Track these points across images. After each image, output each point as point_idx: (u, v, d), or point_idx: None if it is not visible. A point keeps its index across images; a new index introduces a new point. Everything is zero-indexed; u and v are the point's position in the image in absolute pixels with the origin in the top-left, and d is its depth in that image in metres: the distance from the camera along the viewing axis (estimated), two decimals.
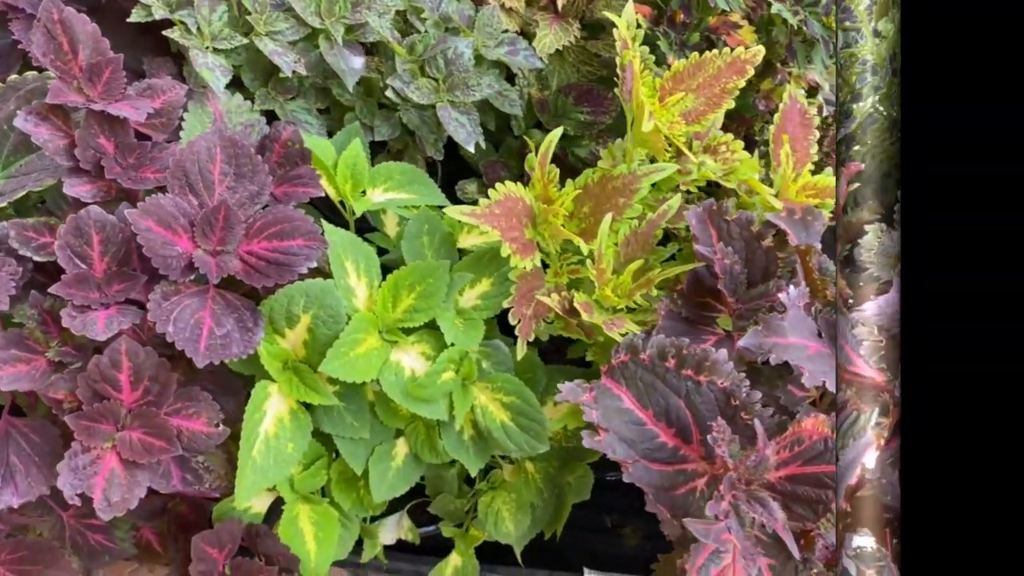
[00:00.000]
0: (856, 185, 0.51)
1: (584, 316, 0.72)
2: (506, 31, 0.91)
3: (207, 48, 0.79)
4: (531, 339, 0.76)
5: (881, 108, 0.50)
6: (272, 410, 0.71)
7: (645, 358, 0.65)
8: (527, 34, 0.96)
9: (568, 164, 0.98)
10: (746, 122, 0.97)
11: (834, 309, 0.52)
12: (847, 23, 0.49)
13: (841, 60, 0.50)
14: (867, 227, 0.51)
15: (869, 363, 0.51)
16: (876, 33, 0.48)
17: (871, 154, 0.50)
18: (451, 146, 0.91)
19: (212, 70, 0.78)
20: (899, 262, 0.50)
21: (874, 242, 0.50)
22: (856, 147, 0.51)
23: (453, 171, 0.98)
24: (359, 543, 0.87)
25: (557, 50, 0.98)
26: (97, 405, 0.64)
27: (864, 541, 0.51)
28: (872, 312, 0.50)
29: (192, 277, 0.68)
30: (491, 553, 0.93)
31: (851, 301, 0.51)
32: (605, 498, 0.93)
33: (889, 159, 0.50)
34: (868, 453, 0.51)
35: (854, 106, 0.51)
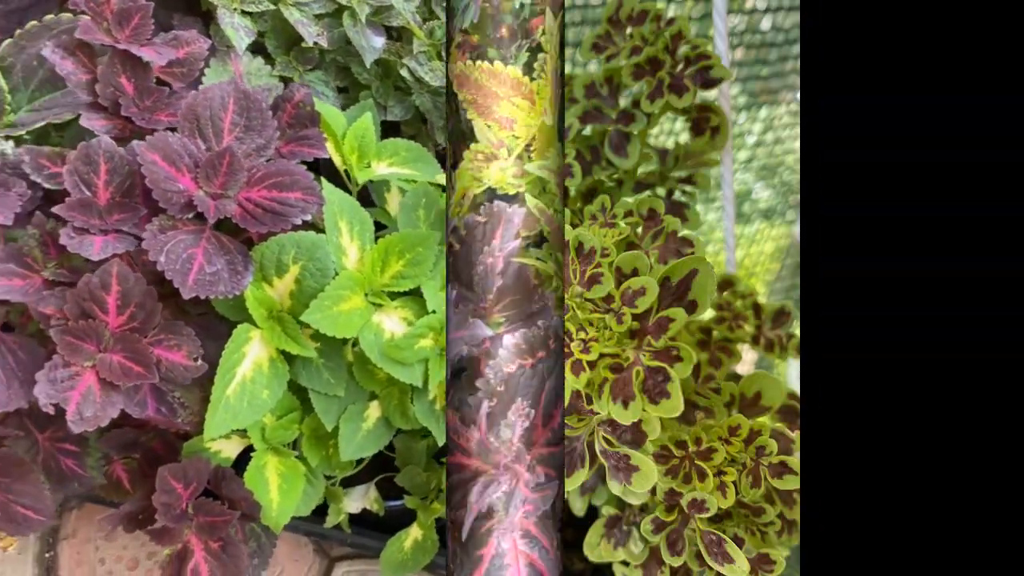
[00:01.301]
0: None
1: None
2: None
3: (235, 9, 0.83)
4: None
5: None
6: (252, 355, 0.73)
7: None
8: None
9: None
10: None
11: None
12: None
13: None
14: None
15: None
16: None
17: None
18: None
19: (236, 30, 0.82)
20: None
21: None
22: None
23: None
24: (324, 511, 0.89)
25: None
26: (83, 323, 0.66)
27: None
28: None
29: (191, 216, 0.71)
30: None
31: None
32: None
33: None
34: None
35: None
